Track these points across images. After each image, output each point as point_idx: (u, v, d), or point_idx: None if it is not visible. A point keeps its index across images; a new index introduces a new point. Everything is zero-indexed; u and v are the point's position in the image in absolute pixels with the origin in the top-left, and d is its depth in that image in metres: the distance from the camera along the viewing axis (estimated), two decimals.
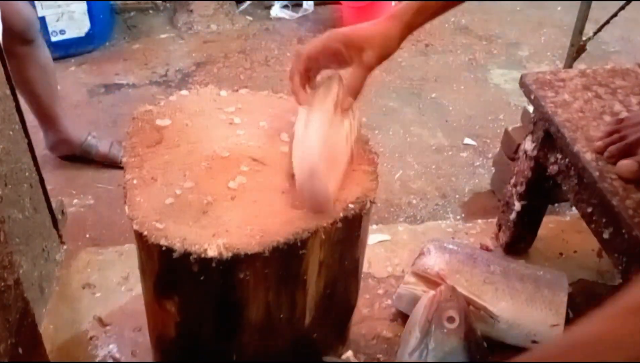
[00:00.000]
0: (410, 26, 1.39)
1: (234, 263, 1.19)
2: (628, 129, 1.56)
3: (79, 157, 3.04)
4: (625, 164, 1.49)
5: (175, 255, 1.17)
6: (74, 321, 1.91)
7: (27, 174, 1.85)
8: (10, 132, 1.76)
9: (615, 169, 1.51)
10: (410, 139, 3.25)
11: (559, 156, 1.74)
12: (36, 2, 3.70)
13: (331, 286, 1.44)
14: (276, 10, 4.64)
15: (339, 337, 1.72)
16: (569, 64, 2.62)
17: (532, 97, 1.81)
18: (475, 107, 3.53)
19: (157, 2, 4.62)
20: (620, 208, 1.42)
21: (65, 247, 2.15)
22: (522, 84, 1.87)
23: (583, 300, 2.00)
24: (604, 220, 1.54)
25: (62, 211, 2.22)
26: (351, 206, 1.31)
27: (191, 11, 4.46)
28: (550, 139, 1.77)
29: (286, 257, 1.25)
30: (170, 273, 1.28)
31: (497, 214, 2.22)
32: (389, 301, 1.97)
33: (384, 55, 1.37)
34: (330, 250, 1.34)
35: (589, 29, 2.64)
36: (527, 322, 1.77)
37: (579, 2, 2.48)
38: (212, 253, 1.17)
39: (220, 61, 4.04)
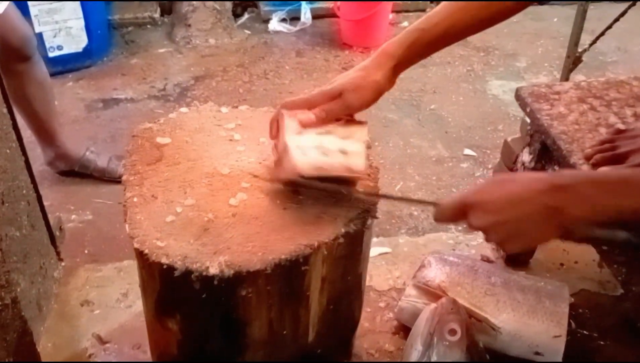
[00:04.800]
0: (402, 63, 1.39)
1: (236, 281, 1.19)
2: (621, 141, 1.56)
3: (77, 172, 3.04)
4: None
5: (176, 273, 1.17)
6: (72, 339, 1.90)
7: (24, 191, 1.85)
8: (7, 151, 1.76)
9: None
10: (410, 150, 3.25)
11: (556, 168, 1.75)
12: (33, 18, 3.71)
13: (334, 302, 1.43)
14: (274, 24, 4.64)
15: (343, 352, 1.72)
16: (565, 75, 2.63)
17: (528, 110, 1.81)
18: (475, 118, 3.54)
19: (155, 16, 4.62)
20: None
21: (63, 264, 2.15)
22: (518, 97, 1.87)
23: (585, 310, 2.00)
24: None
25: (60, 227, 2.22)
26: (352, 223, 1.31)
27: (189, 25, 4.47)
28: (547, 151, 1.78)
29: (288, 274, 1.25)
30: (171, 291, 1.27)
31: None
32: (391, 314, 1.97)
33: (371, 100, 1.38)
34: (332, 266, 1.34)
35: (585, 40, 2.66)
36: (529, 333, 1.76)
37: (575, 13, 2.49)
38: (213, 270, 1.17)
39: (219, 74, 4.05)
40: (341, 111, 1.38)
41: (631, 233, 1.17)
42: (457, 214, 1.20)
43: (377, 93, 1.38)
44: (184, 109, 1.64)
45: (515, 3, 1.41)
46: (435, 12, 1.41)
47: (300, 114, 1.37)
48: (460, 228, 2.51)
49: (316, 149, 1.33)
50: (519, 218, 1.10)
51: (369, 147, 1.41)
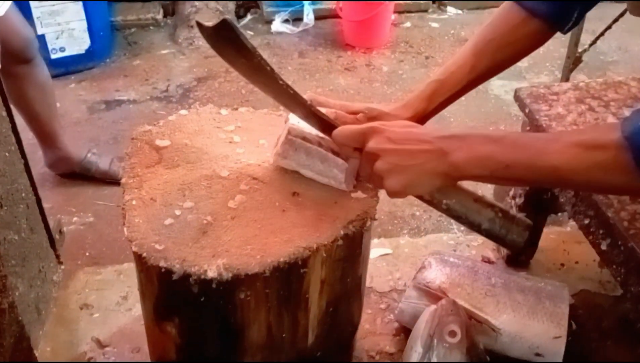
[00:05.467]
0: (424, 116, 1.44)
1: (235, 284, 1.19)
2: None
3: (78, 174, 3.04)
4: None
5: (174, 277, 1.17)
6: (71, 343, 1.90)
7: (23, 195, 1.85)
8: (6, 154, 1.76)
9: None
10: None
11: None
12: (36, 20, 3.72)
13: (334, 305, 1.43)
14: (277, 25, 4.65)
15: (343, 355, 1.72)
16: (566, 75, 2.63)
17: (527, 110, 1.82)
18: (476, 118, 3.53)
19: (158, 18, 4.63)
20: (616, 220, 1.43)
21: (62, 267, 2.15)
22: (517, 98, 1.88)
23: (585, 311, 2.00)
24: (601, 232, 1.54)
25: (60, 230, 2.22)
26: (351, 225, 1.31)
27: (192, 27, 4.47)
28: None
29: (287, 276, 1.25)
30: (170, 294, 1.27)
31: None
32: (391, 316, 1.97)
33: None
34: (331, 268, 1.34)
35: (586, 40, 2.65)
36: (530, 334, 1.76)
37: None
38: (212, 274, 1.16)
39: (221, 75, 4.05)
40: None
41: (497, 222, 1.24)
42: (358, 136, 1.23)
43: None
44: (183, 112, 1.64)
45: (529, 43, 1.43)
46: (452, 60, 1.44)
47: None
48: (460, 228, 2.50)
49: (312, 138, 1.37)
50: (410, 152, 1.15)
51: None
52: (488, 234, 1.27)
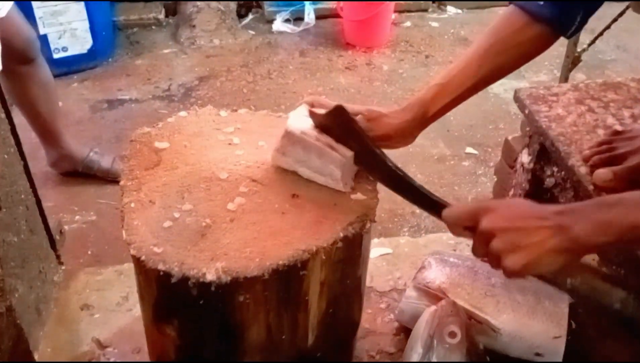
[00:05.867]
0: (425, 120, 1.43)
1: (233, 287, 1.19)
2: (619, 142, 1.56)
3: (81, 173, 3.06)
4: (601, 173, 1.50)
5: (173, 280, 1.17)
6: (72, 343, 1.90)
7: (22, 196, 1.85)
8: (5, 156, 1.76)
9: (592, 177, 1.52)
10: (412, 149, 3.22)
11: (555, 169, 1.75)
12: (38, 21, 3.73)
13: (334, 306, 1.42)
14: (278, 25, 4.67)
15: (343, 355, 1.71)
16: (565, 75, 2.63)
17: (527, 111, 1.82)
18: (476, 117, 3.54)
19: (160, 17, 4.64)
20: None
21: (63, 268, 2.14)
22: (517, 98, 1.88)
23: (584, 310, 1.99)
24: None
25: (61, 231, 2.22)
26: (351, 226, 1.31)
27: (194, 26, 4.48)
28: (545, 152, 1.78)
29: (286, 279, 1.25)
30: (168, 297, 1.27)
31: None
32: (392, 316, 1.97)
33: (393, 139, 1.44)
34: (331, 270, 1.33)
35: (585, 39, 2.66)
36: (529, 334, 1.76)
37: None
38: (210, 277, 1.16)
39: (223, 75, 4.07)
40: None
41: (630, 304, 1.16)
42: (470, 215, 1.18)
43: (396, 136, 1.43)
44: (182, 113, 1.63)
45: (532, 48, 1.41)
46: (454, 64, 1.42)
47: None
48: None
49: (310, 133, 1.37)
50: (528, 229, 1.09)
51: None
52: (620, 314, 1.22)
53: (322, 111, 1.39)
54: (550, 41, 1.41)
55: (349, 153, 1.33)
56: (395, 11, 4.61)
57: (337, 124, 1.33)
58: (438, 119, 1.45)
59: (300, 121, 1.39)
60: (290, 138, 1.37)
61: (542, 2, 1.36)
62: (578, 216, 1.07)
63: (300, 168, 1.40)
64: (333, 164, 1.34)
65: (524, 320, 1.78)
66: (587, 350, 1.88)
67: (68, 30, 3.94)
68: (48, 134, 2.93)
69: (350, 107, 1.43)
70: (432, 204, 1.29)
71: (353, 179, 1.41)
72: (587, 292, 1.18)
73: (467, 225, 1.19)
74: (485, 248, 1.15)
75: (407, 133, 1.42)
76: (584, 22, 1.39)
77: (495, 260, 1.13)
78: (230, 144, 1.54)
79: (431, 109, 1.41)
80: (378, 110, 1.43)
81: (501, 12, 1.44)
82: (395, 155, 2.98)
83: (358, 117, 1.40)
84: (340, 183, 1.36)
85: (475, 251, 1.19)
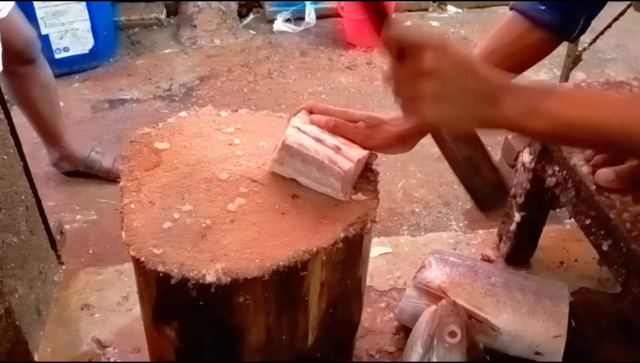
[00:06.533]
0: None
1: (233, 288, 1.19)
2: None
3: (82, 173, 3.07)
4: (603, 173, 1.50)
5: (172, 281, 1.17)
6: (72, 343, 1.90)
7: (22, 197, 1.85)
8: (5, 156, 1.76)
9: (594, 177, 1.52)
10: None
11: (557, 168, 1.74)
12: (39, 21, 3.74)
13: (334, 306, 1.42)
14: (279, 24, 4.67)
15: (343, 355, 1.71)
16: (565, 74, 2.63)
17: None
18: None
19: (161, 17, 4.64)
20: (618, 222, 1.43)
21: (64, 268, 2.14)
22: None
23: (585, 309, 2.00)
24: (602, 232, 1.53)
25: (61, 231, 2.22)
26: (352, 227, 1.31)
27: (195, 26, 4.49)
28: (547, 151, 1.78)
29: (286, 280, 1.24)
30: (168, 298, 1.27)
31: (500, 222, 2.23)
32: (392, 315, 1.97)
33: (394, 147, 1.43)
34: (331, 271, 1.33)
35: (586, 38, 2.65)
36: (529, 333, 1.76)
37: None
38: (210, 278, 1.16)
39: (223, 74, 4.07)
40: (355, 137, 1.40)
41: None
42: (416, 44, 1.03)
43: (396, 143, 1.42)
44: (182, 114, 1.63)
45: (534, 53, 1.41)
46: None
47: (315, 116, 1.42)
48: (460, 225, 2.51)
49: (311, 136, 1.36)
50: (465, 87, 1.02)
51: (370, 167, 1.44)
52: (468, 189, 1.23)
53: (321, 118, 1.39)
54: (553, 46, 1.40)
55: (349, 165, 1.33)
56: (395, 11, 4.60)
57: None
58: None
59: (298, 132, 1.38)
60: (288, 151, 1.36)
61: (543, 7, 1.34)
62: (518, 95, 1.02)
63: (300, 177, 1.39)
64: (333, 177, 1.34)
65: (524, 320, 1.79)
66: (587, 349, 1.88)
67: (69, 30, 3.94)
68: (49, 134, 2.94)
69: (352, 113, 1.43)
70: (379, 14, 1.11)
71: (354, 186, 1.41)
72: (462, 159, 1.16)
73: (404, 53, 1.05)
74: (412, 85, 1.04)
75: (407, 140, 1.42)
76: (587, 24, 1.37)
77: (414, 101, 1.05)
78: (230, 144, 1.53)
79: None
80: (379, 117, 1.42)
81: (503, 19, 1.43)
82: (394, 154, 2.99)
83: (359, 124, 1.40)
84: (340, 194, 1.35)
85: (398, 90, 1.07)
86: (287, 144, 1.35)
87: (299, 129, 1.38)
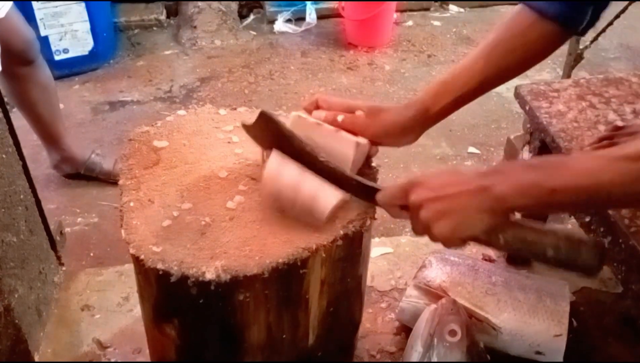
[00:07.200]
0: (428, 117, 1.40)
1: (233, 286, 1.18)
2: (620, 138, 1.56)
3: (83, 175, 3.06)
4: None
5: (172, 279, 1.16)
6: (72, 344, 1.89)
7: (21, 196, 1.85)
8: (4, 156, 1.76)
9: None
10: (414, 149, 3.24)
11: None
12: (39, 22, 3.74)
13: (334, 304, 1.42)
14: (279, 25, 4.67)
15: (344, 354, 1.71)
16: (567, 72, 2.63)
17: (527, 108, 1.82)
18: (478, 116, 3.54)
19: (161, 18, 4.64)
20: (616, 218, 1.43)
21: (64, 268, 2.14)
22: (517, 95, 1.88)
23: (586, 308, 1.99)
24: (601, 229, 1.53)
25: (61, 232, 2.22)
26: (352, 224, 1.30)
27: (195, 27, 4.49)
28: (546, 149, 1.78)
29: (286, 277, 1.24)
30: (168, 296, 1.27)
31: None
32: (392, 315, 1.97)
33: (393, 136, 1.41)
34: (331, 268, 1.33)
35: (587, 37, 2.65)
36: (530, 332, 1.76)
37: None
38: (210, 276, 1.16)
39: (224, 75, 4.07)
40: (354, 126, 1.39)
41: (562, 248, 1.16)
42: (401, 193, 1.20)
43: (395, 132, 1.40)
44: (181, 112, 1.63)
45: (541, 47, 1.36)
46: (460, 63, 1.39)
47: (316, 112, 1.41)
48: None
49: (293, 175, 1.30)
50: (451, 196, 1.11)
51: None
52: (557, 262, 1.18)
53: (321, 114, 1.38)
54: (560, 40, 1.38)
55: (341, 196, 1.29)
56: (397, 10, 4.60)
57: (265, 131, 1.30)
58: (442, 119, 1.41)
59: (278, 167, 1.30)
60: (268, 198, 1.32)
61: None
62: (500, 177, 1.09)
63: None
64: (324, 205, 1.30)
65: (525, 319, 1.78)
66: (588, 348, 1.88)
67: (69, 31, 3.94)
68: (49, 136, 2.93)
69: (352, 102, 1.42)
70: (368, 191, 1.28)
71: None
72: (520, 245, 1.18)
73: (401, 204, 1.21)
74: (416, 220, 1.17)
75: (407, 130, 1.40)
76: (596, 17, 1.35)
77: (427, 231, 1.15)
78: (229, 142, 1.53)
79: (433, 107, 1.37)
80: (379, 106, 1.41)
81: (510, 12, 1.42)
82: (397, 155, 3.00)
83: (358, 112, 1.40)
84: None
85: (413, 228, 1.20)
86: (266, 195, 1.32)
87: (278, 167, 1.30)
